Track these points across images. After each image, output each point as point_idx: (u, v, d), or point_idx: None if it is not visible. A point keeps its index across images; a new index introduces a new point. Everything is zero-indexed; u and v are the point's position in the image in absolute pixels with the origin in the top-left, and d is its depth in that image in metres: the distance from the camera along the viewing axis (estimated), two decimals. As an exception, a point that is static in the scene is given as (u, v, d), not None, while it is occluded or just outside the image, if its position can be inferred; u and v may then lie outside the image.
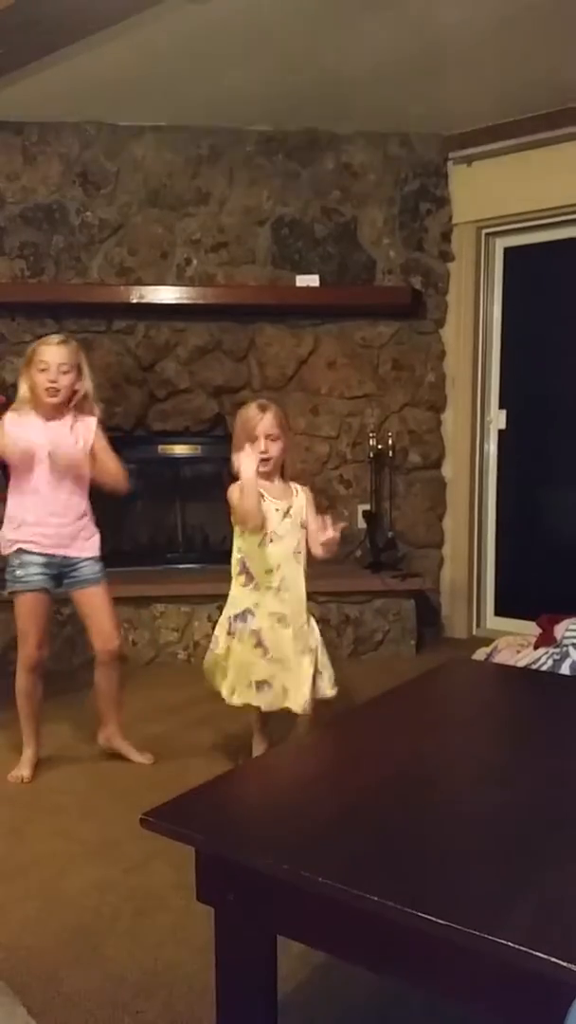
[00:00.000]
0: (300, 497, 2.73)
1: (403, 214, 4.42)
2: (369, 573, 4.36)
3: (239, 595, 2.71)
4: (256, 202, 4.34)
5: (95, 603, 2.90)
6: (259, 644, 2.64)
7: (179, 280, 4.31)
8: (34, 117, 4.14)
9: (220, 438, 4.55)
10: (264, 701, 2.62)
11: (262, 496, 2.65)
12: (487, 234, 4.42)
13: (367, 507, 4.52)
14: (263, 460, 2.61)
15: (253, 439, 2.62)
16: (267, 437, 2.62)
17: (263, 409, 2.65)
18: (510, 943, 1.02)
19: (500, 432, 4.55)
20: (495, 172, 4.28)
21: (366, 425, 4.48)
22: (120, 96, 3.93)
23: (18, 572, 2.82)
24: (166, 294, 4.19)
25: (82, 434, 2.85)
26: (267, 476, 2.66)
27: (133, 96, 3.92)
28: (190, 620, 4.22)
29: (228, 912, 1.36)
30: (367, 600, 4.28)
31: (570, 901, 1.13)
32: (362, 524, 4.52)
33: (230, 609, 2.72)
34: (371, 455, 4.46)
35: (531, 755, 1.66)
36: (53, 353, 2.78)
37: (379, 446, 4.45)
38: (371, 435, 4.46)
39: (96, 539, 2.92)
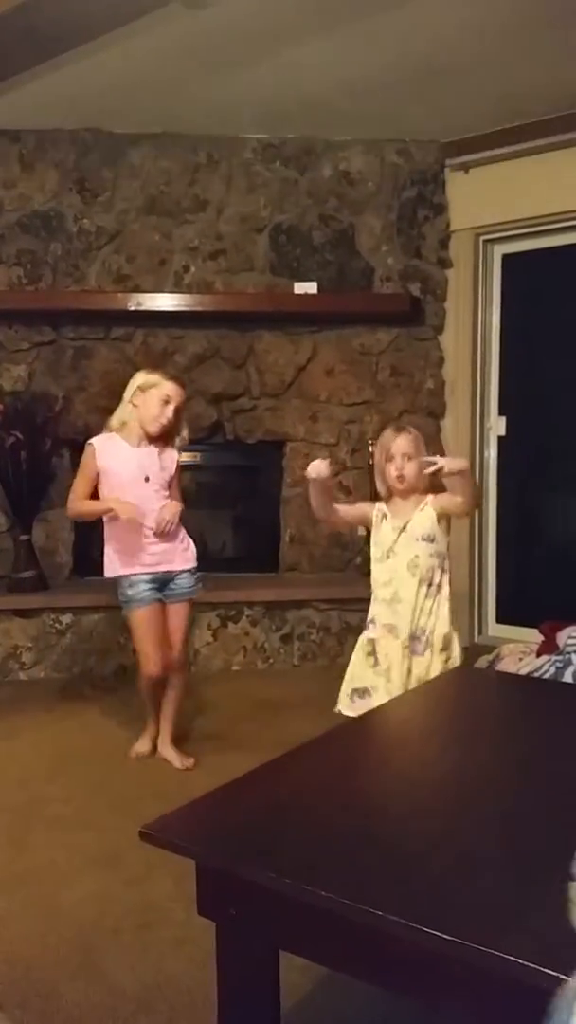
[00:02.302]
0: (425, 511, 2.65)
1: (401, 221, 4.41)
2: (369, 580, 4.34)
3: (370, 606, 2.75)
4: (254, 209, 4.34)
5: (172, 618, 3.05)
6: (371, 653, 2.68)
7: (177, 287, 4.31)
8: (31, 125, 4.14)
9: (219, 445, 4.55)
10: (355, 711, 2.60)
11: (384, 516, 2.71)
12: (485, 240, 4.41)
13: (367, 514, 4.50)
14: (398, 478, 2.64)
15: (389, 458, 2.67)
16: (403, 456, 2.64)
17: (398, 431, 2.71)
18: (517, 959, 1.01)
19: (500, 438, 4.54)
20: (492, 178, 4.27)
21: (365, 432, 4.47)
22: (117, 103, 3.92)
23: (129, 592, 2.97)
24: (164, 301, 4.18)
25: (168, 464, 3.04)
26: (403, 495, 2.68)
27: (130, 103, 3.92)
28: (192, 631, 4.20)
29: (230, 926, 1.34)
30: (367, 608, 4.25)
31: (577, 914, 1.11)
32: (362, 531, 4.50)
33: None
34: (370, 462, 4.44)
35: (535, 764, 1.64)
36: (177, 392, 2.96)
37: (378, 453, 4.43)
38: (370, 442, 4.43)
39: (192, 550, 3.08)
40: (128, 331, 4.32)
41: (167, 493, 3.04)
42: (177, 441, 3.07)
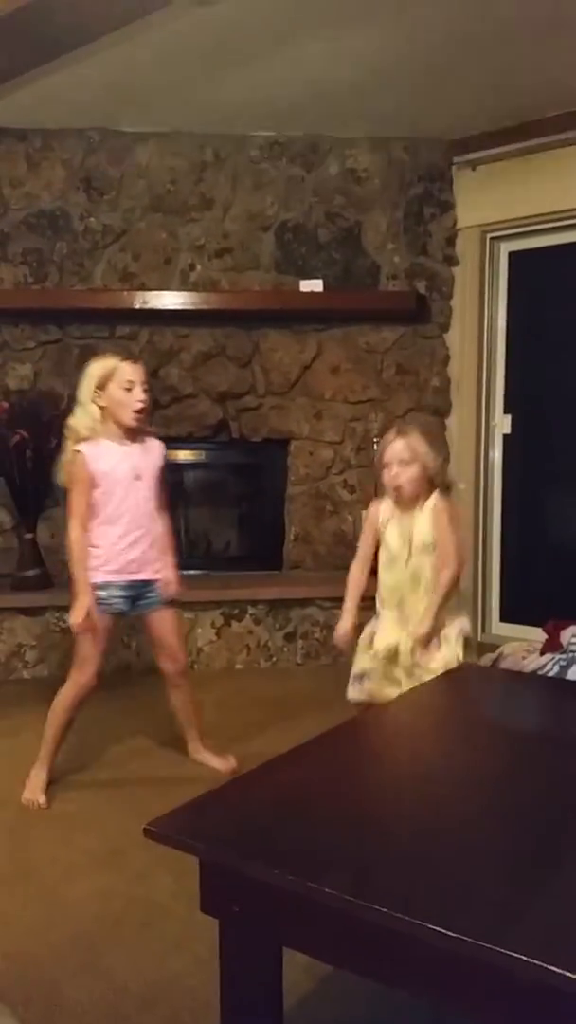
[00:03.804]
0: (423, 519, 2.59)
1: (407, 219, 4.41)
2: (373, 579, 4.34)
3: (378, 601, 2.74)
4: (260, 207, 4.33)
5: (164, 625, 2.90)
6: (371, 644, 2.68)
7: (183, 286, 4.30)
8: (38, 123, 4.14)
9: (224, 444, 4.55)
10: (355, 693, 2.65)
11: (389, 520, 2.67)
12: (491, 238, 4.40)
13: (372, 513, 4.50)
14: (394, 489, 2.59)
15: (385, 465, 2.59)
16: (399, 462, 2.57)
17: (397, 434, 2.61)
18: (520, 955, 1.00)
19: (505, 437, 4.53)
20: (499, 176, 4.26)
21: (370, 430, 4.46)
22: (124, 102, 3.92)
23: (100, 593, 2.75)
24: (170, 300, 4.17)
25: (155, 455, 2.85)
26: (400, 500, 2.62)
27: (137, 102, 3.92)
28: (193, 627, 4.20)
29: (233, 924, 1.34)
30: (372, 606, 4.24)
31: (581, 913, 1.10)
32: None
33: None
34: (375, 460, 4.44)
35: (539, 762, 1.64)
36: (138, 371, 2.74)
37: (383, 451, 4.43)
38: (375, 440, 4.43)
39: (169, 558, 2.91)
40: (134, 330, 4.32)
41: (154, 492, 2.84)
42: (149, 427, 2.86)
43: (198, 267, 4.34)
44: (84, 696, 2.79)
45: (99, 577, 2.75)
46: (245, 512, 4.84)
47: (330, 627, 4.27)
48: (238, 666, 4.24)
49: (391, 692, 2.53)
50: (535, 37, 3.27)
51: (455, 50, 3.38)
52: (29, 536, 4.22)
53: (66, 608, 4.18)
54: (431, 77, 3.63)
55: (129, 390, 2.71)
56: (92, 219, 4.27)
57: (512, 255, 4.44)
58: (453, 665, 2.50)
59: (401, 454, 2.56)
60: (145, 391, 2.75)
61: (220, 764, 2.97)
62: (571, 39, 3.28)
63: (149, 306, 4.15)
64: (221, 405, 4.41)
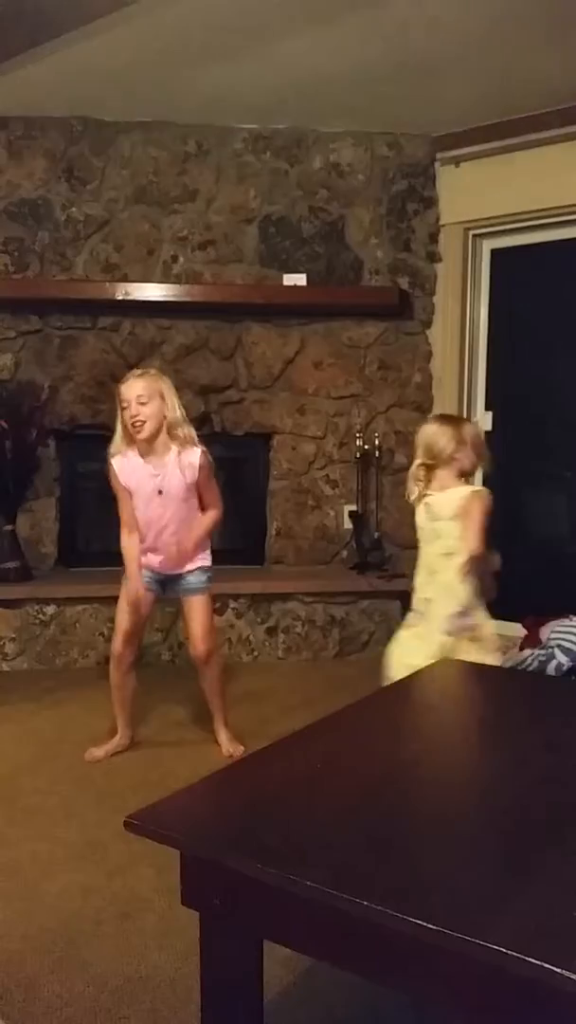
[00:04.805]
0: (453, 500, 2.60)
1: (390, 214, 4.40)
2: (355, 574, 4.35)
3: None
4: (243, 200, 4.32)
5: (190, 612, 3.06)
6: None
7: (165, 277, 4.28)
8: (19, 111, 4.10)
9: (206, 438, 4.51)
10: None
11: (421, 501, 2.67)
12: (474, 235, 4.41)
13: (353, 508, 4.50)
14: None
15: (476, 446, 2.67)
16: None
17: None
18: (501, 948, 1.01)
19: (486, 434, 4.53)
20: (483, 173, 4.26)
21: (352, 425, 4.46)
22: (107, 91, 3.89)
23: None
24: (152, 291, 4.15)
25: (187, 469, 2.93)
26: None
27: (120, 91, 3.89)
28: (175, 621, 4.19)
29: (214, 917, 1.33)
30: (353, 601, 4.26)
31: (561, 905, 1.11)
32: (348, 525, 4.51)
33: None
34: (357, 455, 4.45)
35: (518, 756, 1.64)
36: (129, 388, 2.86)
37: (365, 446, 4.44)
38: (357, 435, 4.44)
39: (205, 552, 3.07)
40: (115, 321, 4.29)
41: (194, 499, 2.98)
42: (181, 435, 2.91)
43: (181, 259, 4.31)
44: (119, 661, 3.02)
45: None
46: (227, 506, 4.80)
47: (312, 622, 4.28)
48: (218, 660, 4.23)
49: None
50: (520, 34, 3.27)
51: (440, 46, 3.37)
52: (8, 528, 4.19)
53: (45, 600, 4.21)
54: (416, 73, 3.62)
55: (125, 408, 2.85)
56: (74, 209, 4.23)
57: (495, 252, 4.45)
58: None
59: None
60: (142, 404, 2.83)
61: (225, 747, 3.06)
62: (556, 37, 3.29)
63: (131, 297, 4.12)
64: (203, 399, 4.39)
